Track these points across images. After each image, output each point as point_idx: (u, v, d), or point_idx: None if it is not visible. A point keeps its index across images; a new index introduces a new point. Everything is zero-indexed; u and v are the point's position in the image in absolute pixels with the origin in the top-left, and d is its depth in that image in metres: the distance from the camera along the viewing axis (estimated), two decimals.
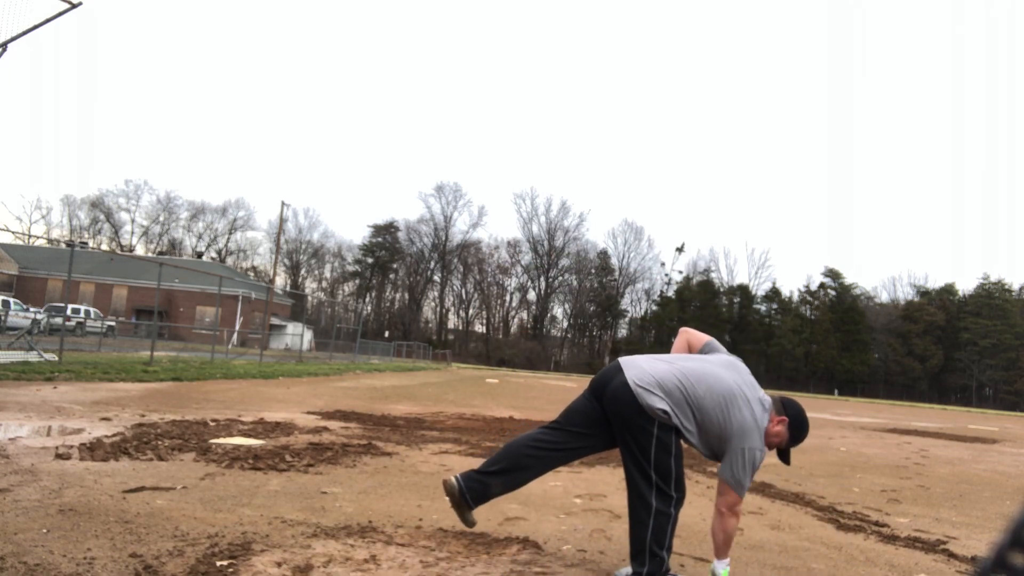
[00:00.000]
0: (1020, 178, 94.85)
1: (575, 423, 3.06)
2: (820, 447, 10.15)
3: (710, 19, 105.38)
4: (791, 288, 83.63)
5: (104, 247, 69.15)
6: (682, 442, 2.97)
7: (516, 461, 3.02)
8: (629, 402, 2.87)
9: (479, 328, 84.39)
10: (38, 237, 64.01)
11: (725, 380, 2.95)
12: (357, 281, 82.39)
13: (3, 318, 25.15)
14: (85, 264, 46.15)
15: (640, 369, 2.97)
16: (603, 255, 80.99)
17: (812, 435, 12.82)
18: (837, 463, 8.26)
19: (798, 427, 3.06)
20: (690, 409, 2.88)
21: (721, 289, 78.49)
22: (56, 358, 13.15)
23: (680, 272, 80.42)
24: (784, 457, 3.14)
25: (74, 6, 9.31)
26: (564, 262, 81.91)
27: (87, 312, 34.53)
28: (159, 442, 5.68)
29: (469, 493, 2.98)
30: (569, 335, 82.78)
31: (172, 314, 46.40)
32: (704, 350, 3.26)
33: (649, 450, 2.85)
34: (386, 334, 66.91)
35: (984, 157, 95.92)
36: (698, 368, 2.99)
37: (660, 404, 2.85)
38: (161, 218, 75.41)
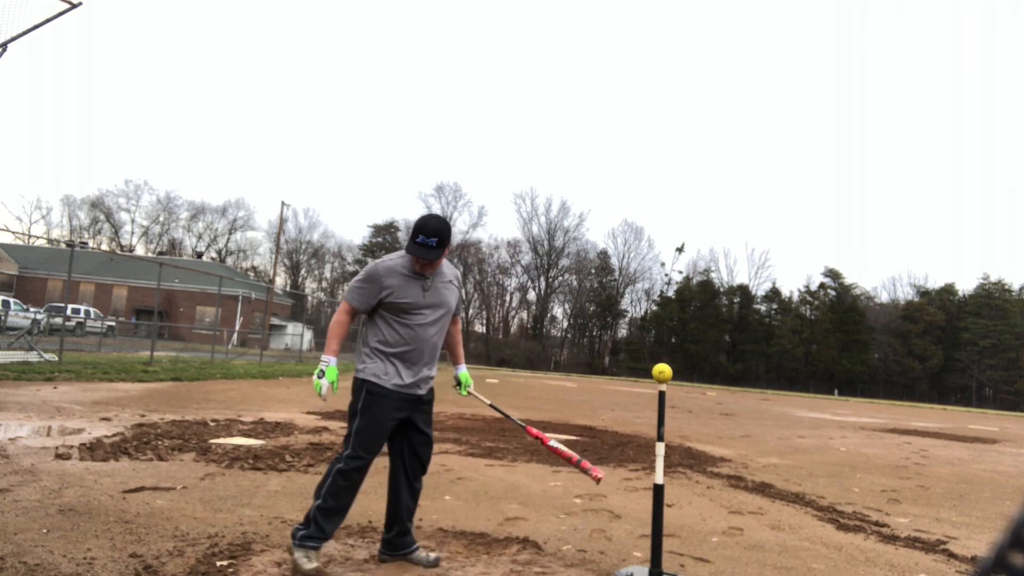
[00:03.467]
0: (1020, 178, 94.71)
1: None
2: (820, 447, 10.15)
3: (710, 18, 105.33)
4: (791, 288, 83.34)
5: (104, 247, 68.94)
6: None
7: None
8: None
9: (479, 328, 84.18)
10: (38, 237, 63.82)
11: None
12: None
13: (3, 318, 25.12)
14: (85, 264, 46.10)
15: None
16: (603, 255, 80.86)
17: (812, 435, 12.70)
18: (837, 463, 8.26)
19: (412, 234, 3.08)
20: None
21: (721, 289, 78.26)
22: (56, 358, 13.15)
23: (680, 272, 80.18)
24: (425, 253, 3.04)
25: (74, 6, 9.30)
26: (564, 262, 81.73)
27: (87, 312, 34.47)
28: (159, 442, 5.68)
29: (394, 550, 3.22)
30: (569, 335, 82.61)
31: (172, 314, 46.35)
32: None
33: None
34: None
35: (984, 157, 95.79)
36: None
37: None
38: (161, 218, 75.20)
